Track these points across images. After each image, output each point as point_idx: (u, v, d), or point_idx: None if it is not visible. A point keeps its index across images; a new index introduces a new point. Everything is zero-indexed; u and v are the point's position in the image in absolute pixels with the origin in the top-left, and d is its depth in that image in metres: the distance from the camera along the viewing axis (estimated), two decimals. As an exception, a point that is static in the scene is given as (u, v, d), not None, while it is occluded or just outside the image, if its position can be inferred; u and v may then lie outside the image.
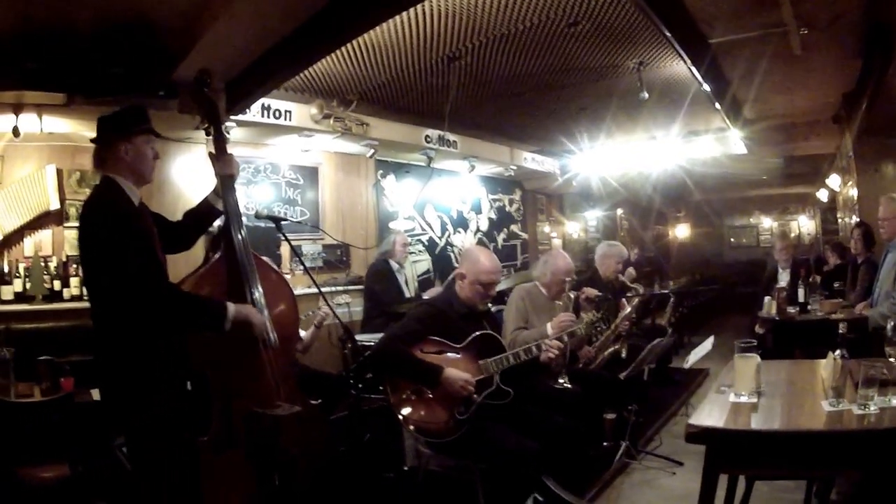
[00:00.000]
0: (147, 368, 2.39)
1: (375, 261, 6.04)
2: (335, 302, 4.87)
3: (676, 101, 6.35)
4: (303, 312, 4.00)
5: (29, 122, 4.29)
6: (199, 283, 2.72)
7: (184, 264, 3.05)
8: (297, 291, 3.38)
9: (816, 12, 4.24)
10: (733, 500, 2.82)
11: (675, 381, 6.25)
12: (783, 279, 6.21)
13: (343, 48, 4.48)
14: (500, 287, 4.58)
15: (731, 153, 8.23)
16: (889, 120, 5.93)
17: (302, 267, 3.88)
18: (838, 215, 10.16)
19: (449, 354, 3.23)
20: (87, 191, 4.55)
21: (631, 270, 7.55)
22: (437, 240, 8.04)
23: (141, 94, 3.90)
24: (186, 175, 5.33)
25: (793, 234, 15.03)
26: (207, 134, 2.97)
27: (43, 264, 4.63)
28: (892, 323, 2.66)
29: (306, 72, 4.86)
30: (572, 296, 4.10)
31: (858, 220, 6.21)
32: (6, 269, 4.54)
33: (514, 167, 8.52)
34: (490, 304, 3.63)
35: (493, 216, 9.12)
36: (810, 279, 5.73)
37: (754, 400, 2.42)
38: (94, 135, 2.56)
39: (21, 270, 4.57)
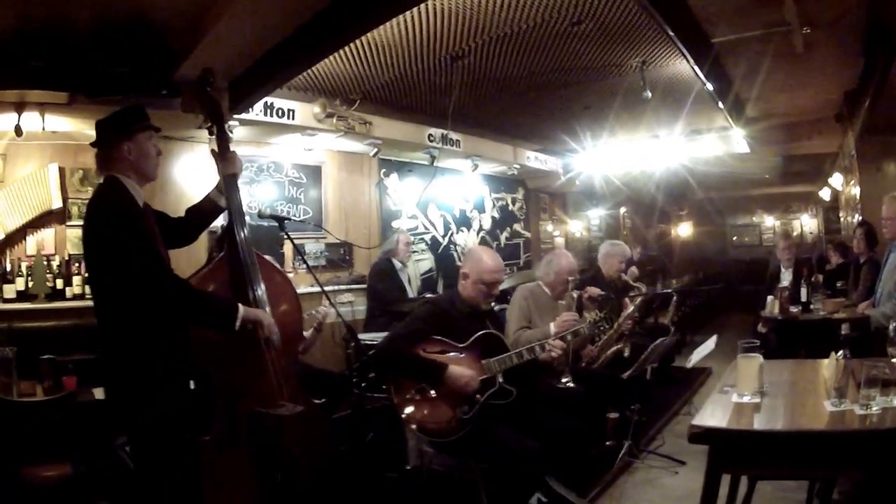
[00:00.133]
0: (150, 367, 2.39)
1: (378, 260, 6.04)
2: (338, 301, 4.87)
3: (679, 100, 6.33)
4: (305, 311, 4.00)
5: (31, 120, 4.29)
6: (202, 282, 2.72)
7: (186, 265, 3.05)
8: (300, 290, 3.37)
9: (819, 11, 4.23)
10: (735, 500, 2.82)
11: (678, 381, 6.25)
12: (786, 278, 6.21)
13: (346, 47, 4.47)
14: (503, 286, 4.57)
15: (733, 152, 8.20)
16: (891, 119, 5.91)
17: (305, 266, 3.89)
18: (841, 214, 10.14)
19: (452, 354, 3.24)
20: (90, 189, 4.56)
21: (634, 269, 7.51)
22: (440, 239, 8.04)
23: (143, 93, 3.90)
24: (189, 174, 5.34)
25: (795, 233, 14.98)
26: (210, 133, 2.96)
27: (45, 263, 4.64)
28: (895, 324, 2.66)
29: (309, 71, 4.85)
30: (575, 295, 4.11)
31: (861, 219, 6.19)
32: (8, 268, 4.55)
33: (518, 166, 8.51)
34: (493, 303, 3.63)
35: (496, 215, 9.12)
36: (813, 278, 5.73)
37: (757, 400, 2.42)
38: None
39: (23, 269, 4.58)
